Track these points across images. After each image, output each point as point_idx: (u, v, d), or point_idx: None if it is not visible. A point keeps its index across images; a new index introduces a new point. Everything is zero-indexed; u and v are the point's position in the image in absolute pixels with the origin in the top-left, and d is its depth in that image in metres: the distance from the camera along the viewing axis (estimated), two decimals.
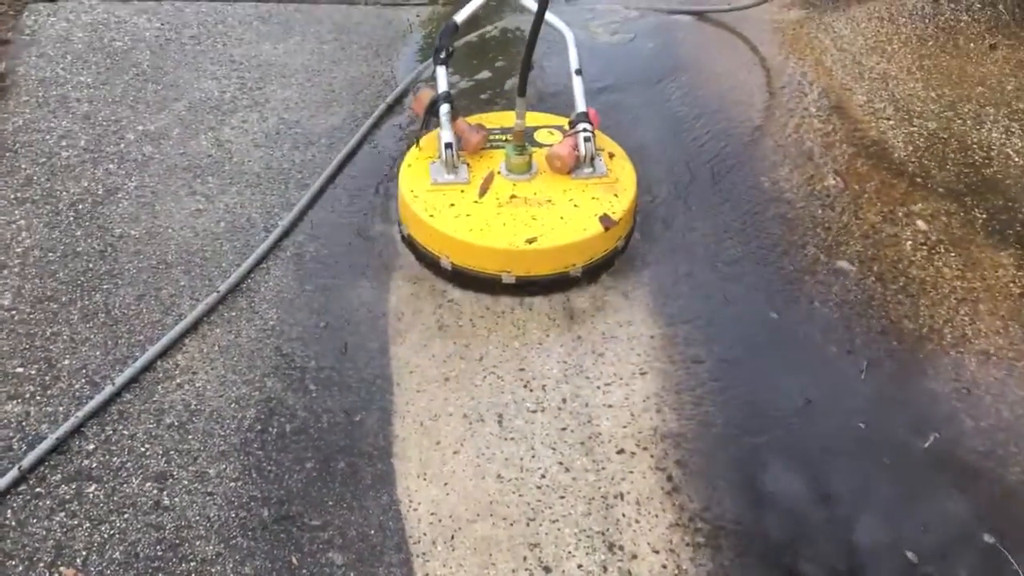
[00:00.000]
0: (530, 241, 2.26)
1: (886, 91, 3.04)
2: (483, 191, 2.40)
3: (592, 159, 2.47)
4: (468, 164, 2.48)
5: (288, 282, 2.34)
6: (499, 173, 2.46)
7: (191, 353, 2.15)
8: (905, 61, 3.17)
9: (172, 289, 2.29)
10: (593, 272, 2.37)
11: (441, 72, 2.52)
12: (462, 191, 2.40)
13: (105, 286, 2.29)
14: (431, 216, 2.33)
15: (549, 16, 2.42)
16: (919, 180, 2.70)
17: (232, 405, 2.04)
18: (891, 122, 2.92)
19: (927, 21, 3.37)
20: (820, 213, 2.59)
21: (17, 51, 3.01)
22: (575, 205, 2.37)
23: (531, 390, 2.11)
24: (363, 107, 2.91)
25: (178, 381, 2.08)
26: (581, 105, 2.51)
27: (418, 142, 2.54)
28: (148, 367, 2.10)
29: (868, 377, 2.15)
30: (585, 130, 2.47)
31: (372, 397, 2.08)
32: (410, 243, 2.43)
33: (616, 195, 2.41)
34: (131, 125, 2.77)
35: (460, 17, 2.59)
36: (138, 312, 2.23)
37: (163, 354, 2.13)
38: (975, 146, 2.83)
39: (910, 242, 2.50)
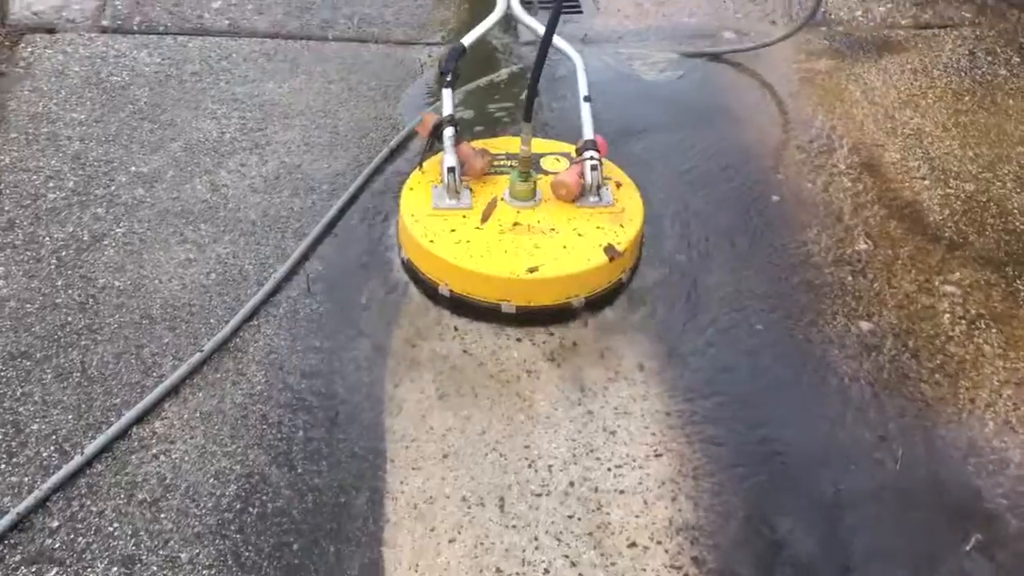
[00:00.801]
0: (531, 270, 2.19)
1: (920, 148, 2.88)
2: (485, 217, 2.33)
3: (598, 188, 2.39)
4: (471, 189, 2.41)
5: (280, 342, 2.19)
6: (503, 199, 2.39)
7: (170, 420, 1.99)
8: (940, 117, 3.01)
9: (155, 347, 2.14)
10: (596, 304, 2.29)
11: (447, 95, 2.46)
12: (464, 217, 2.33)
13: (83, 342, 2.14)
14: (431, 241, 2.26)
15: (557, 40, 2.35)
16: (956, 246, 2.54)
17: (211, 480, 1.88)
18: (926, 182, 2.75)
19: (963, 74, 3.21)
20: (850, 280, 2.43)
21: (10, 84, 2.89)
22: (579, 234, 2.30)
23: (536, 471, 1.94)
24: (368, 151, 2.77)
25: (154, 451, 1.93)
26: (589, 132, 2.44)
27: (421, 165, 2.47)
28: (122, 435, 1.94)
29: (903, 467, 1.97)
30: (592, 158, 2.38)
31: (363, 475, 1.91)
32: (409, 268, 2.35)
33: (622, 225, 2.33)
34: (123, 166, 2.63)
35: (468, 40, 2.54)
36: (116, 372, 2.08)
37: (139, 420, 1.98)
38: (1016, 211, 2.66)
39: (948, 315, 2.33)
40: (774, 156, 2.85)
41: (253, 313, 2.22)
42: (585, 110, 2.47)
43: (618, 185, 2.47)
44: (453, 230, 2.30)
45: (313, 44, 3.25)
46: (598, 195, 2.40)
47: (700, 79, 3.20)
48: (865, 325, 2.30)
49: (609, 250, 2.26)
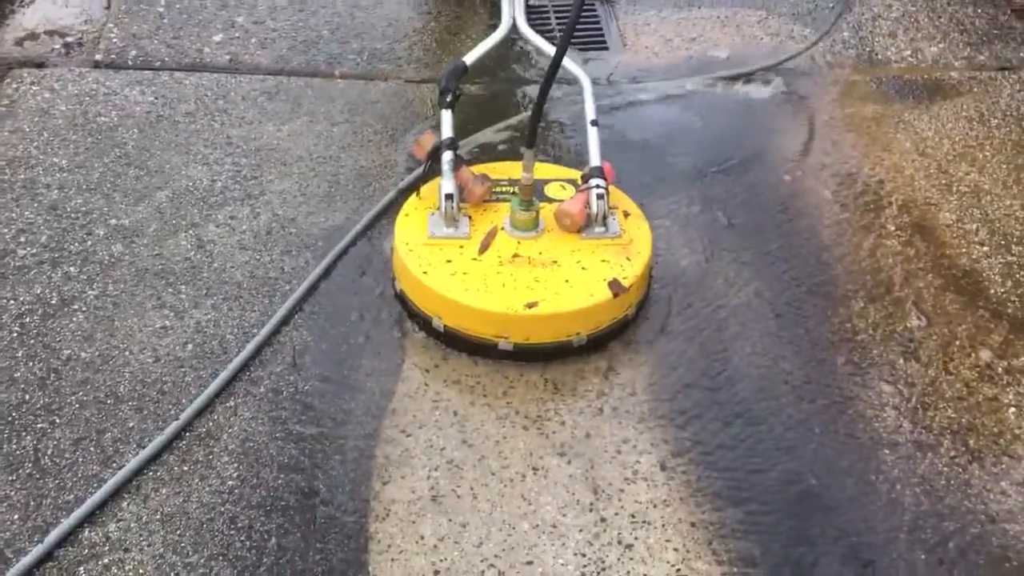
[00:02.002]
0: (530, 305, 2.07)
1: (978, 208, 2.61)
2: (484, 248, 2.19)
3: (604, 218, 2.24)
4: (470, 217, 2.27)
5: (258, 427, 1.96)
6: (503, 229, 2.24)
7: (127, 522, 1.76)
8: (999, 172, 2.73)
9: (118, 431, 1.92)
10: (599, 342, 2.15)
11: (446, 117, 2.32)
12: (461, 247, 2.19)
13: (40, 425, 1.92)
14: (424, 272, 2.12)
15: (566, 62, 2.18)
16: (1021, 325, 2.26)
17: None
18: (985, 248, 2.48)
19: (1023, 124, 2.93)
20: (901, 363, 2.16)
21: None
22: (583, 267, 2.16)
23: None
24: (369, 203, 2.54)
25: (105, 561, 1.70)
26: (596, 159, 2.29)
27: (418, 191, 2.33)
28: (70, 540, 1.72)
29: None
30: (598, 186, 2.23)
31: None
32: (402, 299, 2.21)
33: (628, 258, 2.19)
34: (103, 218, 2.42)
35: (470, 58, 2.39)
36: (72, 462, 1.86)
37: (91, 521, 1.75)
38: None
39: (1013, 409, 2.06)
40: (814, 213, 2.58)
41: (213, 399, 1.99)
42: (592, 135, 2.34)
43: (626, 215, 2.33)
44: (449, 260, 2.17)
45: (318, 82, 3.03)
46: (604, 225, 2.26)
47: (728, 124, 2.94)
48: (919, 421, 2.03)
49: (614, 285, 2.12)
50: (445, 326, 2.13)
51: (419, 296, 2.16)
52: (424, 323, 2.17)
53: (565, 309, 2.08)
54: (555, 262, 2.18)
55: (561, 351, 2.14)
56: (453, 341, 2.15)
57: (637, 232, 2.28)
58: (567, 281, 2.14)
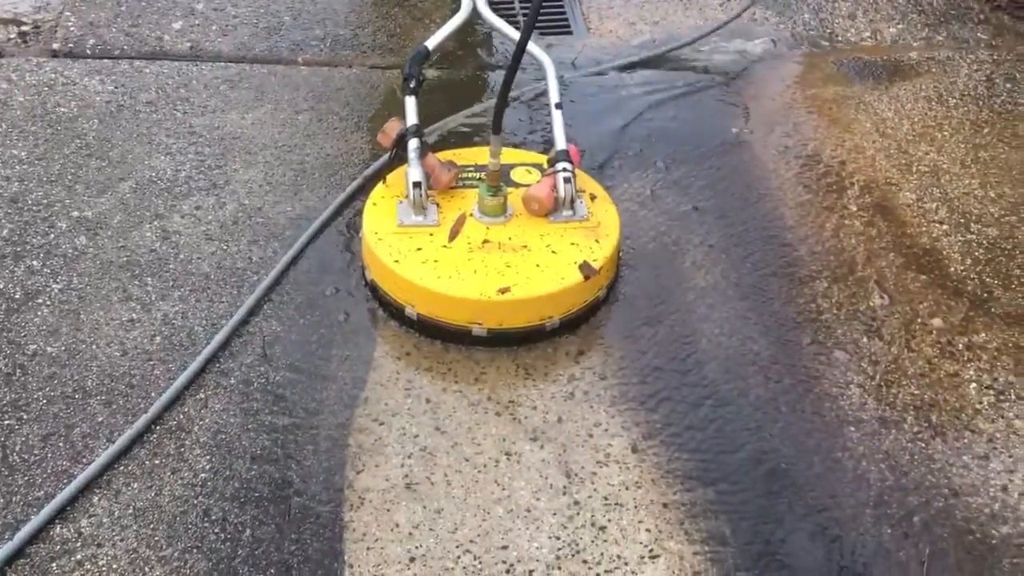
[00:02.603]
0: (503, 291, 2.08)
1: (938, 188, 2.65)
2: (453, 235, 2.20)
3: (572, 201, 2.25)
4: (438, 204, 2.27)
5: (229, 419, 1.95)
6: (471, 215, 2.25)
7: (99, 517, 1.75)
8: (958, 152, 2.78)
9: (87, 427, 1.90)
10: (571, 324, 2.17)
11: (410, 103, 2.32)
12: (431, 234, 2.20)
13: (7, 421, 1.90)
14: (396, 261, 2.13)
15: (529, 46, 2.20)
16: (981, 302, 2.31)
17: None
18: (944, 227, 2.52)
19: (981, 104, 2.98)
20: (865, 342, 2.20)
21: None
22: (553, 251, 2.18)
23: None
24: (336, 192, 2.53)
25: (78, 557, 1.69)
26: (561, 142, 2.31)
27: (385, 179, 2.33)
28: (41, 537, 1.70)
29: (930, 571, 1.74)
30: (565, 169, 2.24)
31: None
32: (373, 289, 2.21)
33: (598, 240, 2.21)
34: (65, 211, 2.39)
35: (431, 42, 2.40)
36: (42, 458, 1.84)
37: (63, 518, 1.74)
38: None
39: (974, 384, 2.11)
40: (777, 195, 2.61)
41: (182, 390, 1.98)
42: (557, 118, 2.36)
43: (592, 197, 2.35)
44: (419, 248, 2.17)
45: (281, 69, 3.01)
46: (572, 209, 2.27)
47: (690, 108, 2.96)
48: (883, 398, 2.06)
49: (585, 268, 2.14)
50: (418, 314, 2.13)
51: (391, 285, 2.16)
52: (396, 312, 2.17)
53: (537, 293, 2.10)
54: (525, 247, 2.19)
55: (534, 335, 2.15)
56: (426, 329, 2.15)
57: (604, 215, 2.30)
58: (538, 265, 2.15)
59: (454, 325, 2.12)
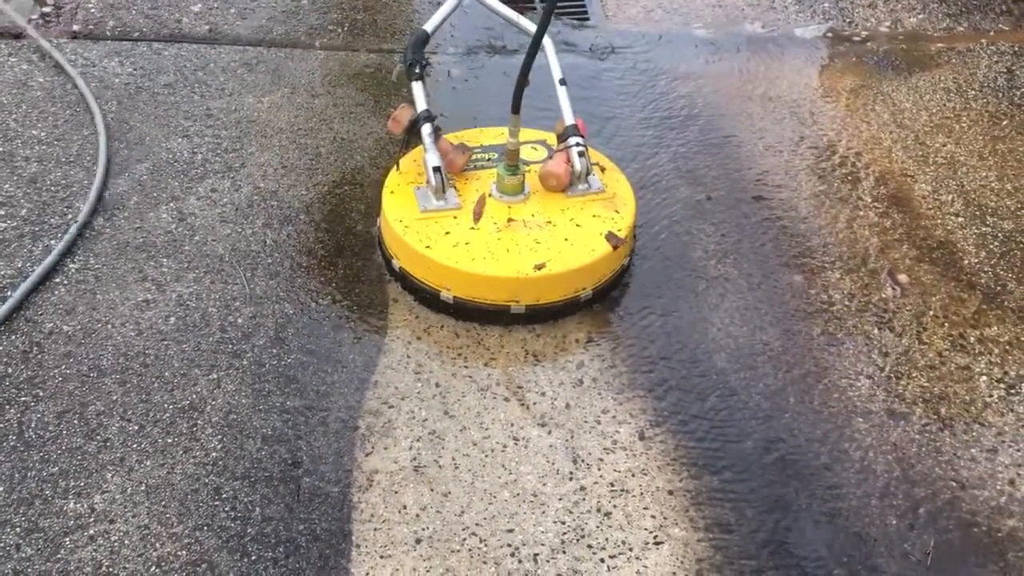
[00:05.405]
0: (539, 267, 2.10)
1: (954, 180, 2.63)
2: (477, 216, 2.22)
3: (587, 174, 2.29)
4: (455, 187, 2.28)
5: (241, 399, 1.97)
6: (490, 196, 2.26)
7: (111, 494, 1.78)
8: (976, 144, 2.76)
9: (101, 405, 1.93)
10: (602, 293, 2.22)
11: (418, 88, 2.33)
12: (455, 217, 2.21)
13: (23, 398, 1.93)
14: (427, 247, 2.12)
15: (524, 22, 2.27)
16: (994, 295, 2.30)
17: (152, 568, 1.67)
18: (960, 219, 2.51)
19: (1000, 95, 2.95)
20: (876, 334, 2.19)
21: None
22: (577, 225, 2.23)
23: (520, 560, 1.73)
24: (352, 175, 2.54)
25: (91, 532, 1.72)
26: (569, 117, 2.32)
27: (398, 165, 2.35)
28: (55, 511, 1.73)
29: (935, 562, 1.75)
30: (578, 144, 2.28)
31: (325, 564, 1.70)
32: (402, 276, 2.20)
33: (617, 211, 2.25)
34: (83, 191, 2.42)
35: (430, 25, 2.40)
36: (56, 435, 1.87)
37: (77, 493, 1.77)
38: None
39: (984, 378, 2.10)
40: (792, 186, 2.61)
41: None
42: (562, 94, 2.36)
43: (603, 169, 2.37)
44: (448, 232, 2.17)
45: (298, 53, 3.02)
46: (587, 182, 2.30)
47: (710, 91, 2.96)
48: (893, 390, 2.06)
49: (611, 238, 2.18)
50: (455, 297, 2.14)
51: (423, 271, 2.16)
52: (430, 297, 2.17)
53: (572, 267, 2.12)
54: (549, 222, 2.21)
55: (569, 308, 2.18)
56: (462, 312, 2.16)
57: (617, 185, 2.33)
58: (567, 239, 2.17)
59: (493, 305, 2.13)
